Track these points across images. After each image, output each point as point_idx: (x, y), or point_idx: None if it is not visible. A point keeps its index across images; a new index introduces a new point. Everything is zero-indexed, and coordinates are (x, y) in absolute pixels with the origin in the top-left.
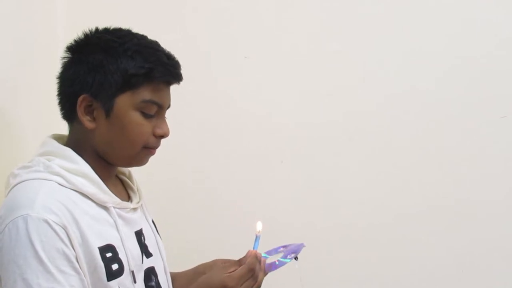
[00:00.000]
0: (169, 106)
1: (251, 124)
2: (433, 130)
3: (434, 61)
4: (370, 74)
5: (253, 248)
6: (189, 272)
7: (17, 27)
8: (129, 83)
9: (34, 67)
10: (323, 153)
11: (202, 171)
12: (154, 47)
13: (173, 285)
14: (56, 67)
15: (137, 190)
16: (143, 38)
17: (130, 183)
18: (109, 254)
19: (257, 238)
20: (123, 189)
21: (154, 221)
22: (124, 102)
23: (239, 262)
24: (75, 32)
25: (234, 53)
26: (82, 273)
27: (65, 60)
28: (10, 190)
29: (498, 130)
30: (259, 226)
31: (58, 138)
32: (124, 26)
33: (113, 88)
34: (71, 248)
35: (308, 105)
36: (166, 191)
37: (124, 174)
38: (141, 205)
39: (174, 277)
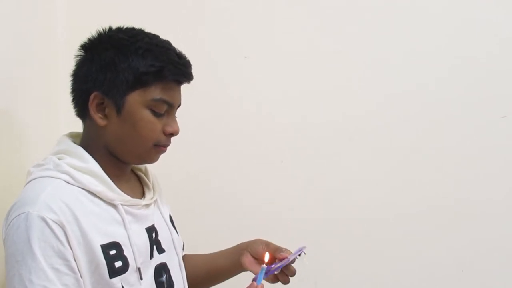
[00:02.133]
0: (179, 105)
1: (251, 124)
2: (433, 130)
3: (434, 61)
4: (370, 74)
5: (258, 282)
6: (228, 251)
7: (17, 27)
8: (140, 81)
9: (34, 67)
10: (323, 153)
11: (202, 171)
12: (165, 46)
13: (207, 265)
14: (55, 68)
15: (153, 187)
16: (155, 37)
17: (146, 179)
18: (113, 252)
19: (262, 270)
20: (139, 185)
21: (172, 216)
22: (135, 99)
23: None
24: (75, 32)
25: (234, 53)
26: (78, 273)
27: (79, 58)
28: (24, 186)
29: (498, 130)
30: (266, 257)
31: (75, 136)
32: (124, 26)
33: (124, 86)
34: (68, 247)
35: (308, 105)
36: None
37: (140, 170)
38: (156, 200)
39: (208, 258)
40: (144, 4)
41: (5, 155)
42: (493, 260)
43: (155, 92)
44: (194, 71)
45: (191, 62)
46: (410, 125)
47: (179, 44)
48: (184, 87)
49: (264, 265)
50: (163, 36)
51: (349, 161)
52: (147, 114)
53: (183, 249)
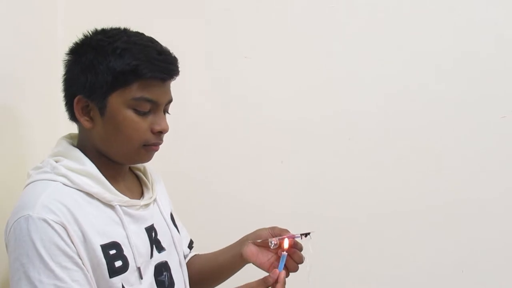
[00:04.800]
0: (170, 101)
1: (251, 124)
2: (433, 130)
3: (434, 60)
4: (369, 74)
5: (279, 269)
6: (230, 245)
7: (17, 27)
8: (118, 81)
9: (34, 66)
10: (323, 152)
11: (202, 171)
12: (144, 43)
13: (210, 263)
14: (56, 67)
15: (151, 186)
16: (135, 35)
17: (144, 179)
18: (112, 251)
19: (283, 257)
20: (138, 185)
21: (173, 214)
22: (116, 100)
23: (264, 282)
24: (75, 32)
25: (234, 53)
26: (85, 268)
27: (65, 61)
28: (23, 189)
29: (498, 130)
30: (286, 243)
31: (74, 137)
32: (124, 26)
33: (104, 88)
34: (72, 245)
35: (308, 105)
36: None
37: (139, 169)
38: (155, 199)
39: (211, 255)
40: (144, 4)
41: (4, 155)
42: (493, 260)
43: (134, 91)
44: (194, 71)
45: (192, 62)
46: (409, 125)
47: (178, 44)
48: (185, 87)
49: (285, 252)
50: (164, 36)
51: (349, 161)
52: (129, 114)
53: (191, 247)
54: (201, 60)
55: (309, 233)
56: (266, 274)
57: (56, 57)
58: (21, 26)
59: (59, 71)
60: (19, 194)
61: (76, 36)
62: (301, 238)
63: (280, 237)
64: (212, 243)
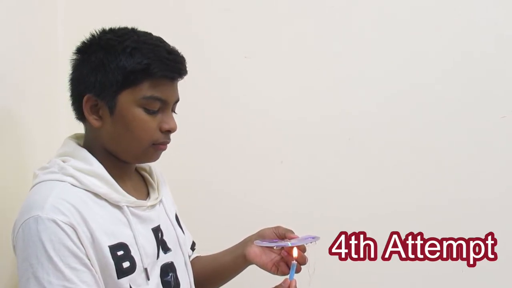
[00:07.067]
0: (177, 101)
1: (251, 124)
2: (433, 130)
3: (434, 60)
4: (369, 74)
5: (290, 278)
6: (233, 246)
7: (17, 27)
8: (128, 80)
9: (34, 66)
10: (323, 153)
11: (202, 171)
12: (154, 43)
13: (212, 264)
14: (56, 67)
15: (157, 187)
16: (144, 35)
17: (150, 179)
18: (120, 252)
19: (293, 266)
20: (144, 186)
21: (178, 214)
22: (126, 99)
23: None
24: (75, 32)
25: (234, 53)
26: (93, 269)
27: (73, 61)
28: (30, 190)
29: (498, 130)
30: (295, 252)
31: (79, 137)
32: (125, 26)
33: (114, 86)
34: (81, 246)
35: (308, 105)
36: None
37: (145, 170)
38: (161, 200)
39: (214, 256)
40: (145, 4)
41: (4, 156)
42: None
43: (145, 90)
44: (194, 71)
45: (192, 62)
46: (409, 125)
47: (178, 44)
48: (184, 87)
49: (295, 261)
50: (164, 36)
51: (348, 161)
52: (139, 112)
53: (193, 249)
54: (201, 60)
55: (314, 239)
56: (269, 274)
57: (56, 57)
58: (21, 26)
59: (59, 72)
60: (20, 194)
61: (76, 36)
62: (306, 244)
63: (284, 244)
64: (212, 243)
